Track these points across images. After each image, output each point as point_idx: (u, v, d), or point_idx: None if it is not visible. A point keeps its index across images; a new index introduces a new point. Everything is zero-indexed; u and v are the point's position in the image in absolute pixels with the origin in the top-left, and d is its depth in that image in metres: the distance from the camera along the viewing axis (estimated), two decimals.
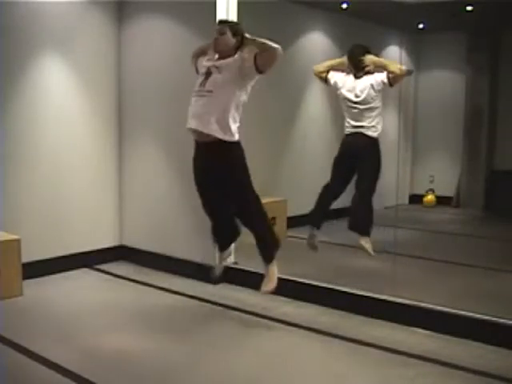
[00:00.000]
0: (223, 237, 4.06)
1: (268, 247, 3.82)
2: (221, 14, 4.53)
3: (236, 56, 3.58)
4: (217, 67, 3.58)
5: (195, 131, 3.63)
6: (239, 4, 4.59)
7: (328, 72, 4.63)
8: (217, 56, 3.65)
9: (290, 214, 6.02)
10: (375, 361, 3.32)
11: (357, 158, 4.54)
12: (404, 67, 4.50)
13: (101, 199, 5.33)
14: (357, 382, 3.09)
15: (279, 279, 4.34)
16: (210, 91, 3.54)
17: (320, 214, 4.64)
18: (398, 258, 4.37)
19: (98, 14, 5.15)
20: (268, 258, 3.80)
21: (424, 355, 3.36)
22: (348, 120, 4.57)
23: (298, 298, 4.31)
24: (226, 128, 3.54)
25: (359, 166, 4.54)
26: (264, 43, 3.51)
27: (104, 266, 5.23)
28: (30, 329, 3.75)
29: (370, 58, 4.46)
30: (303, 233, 5.89)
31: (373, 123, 4.45)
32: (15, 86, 4.64)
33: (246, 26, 4.87)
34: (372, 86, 4.44)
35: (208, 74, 3.59)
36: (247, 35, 3.61)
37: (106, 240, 5.38)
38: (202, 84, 3.59)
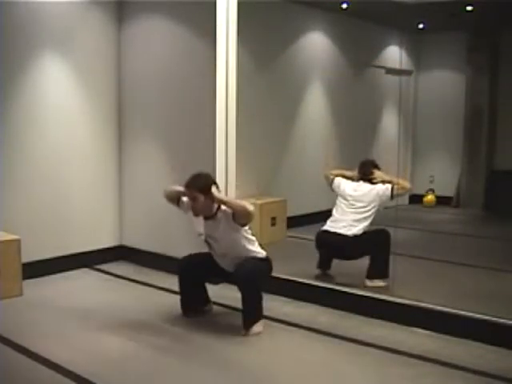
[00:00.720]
0: (190, 296, 3.99)
1: (250, 319, 3.66)
2: (221, 14, 4.52)
3: (219, 216, 3.67)
4: (211, 237, 3.74)
5: None
6: (239, 4, 4.58)
7: (335, 177, 4.74)
8: (202, 220, 3.74)
9: (290, 214, 6.02)
10: (375, 361, 3.32)
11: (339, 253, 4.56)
12: (409, 185, 4.61)
13: (101, 199, 5.33)
14: (357, 381, 3.09)
15: (279, 279, 4.34)
16: (223, 253, 3.78)
17: (323, 262, 4.64)
18: (398, 258, 4.37)
19: (98, 14, 5.15)
20: (246, 326, 3.66)
21: (424, 355, 3.36)
22: (335, 215, 4.56)
23: (297, 298, 4.31)
24: (252, 254, 3.75)
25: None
26: (236, 207, 3.59)
27: (104, 266, 5.23)
28: (30, 329, 3.75)
29: (380, 175, 4.57)
30: (303, 233, 5.90)
31: (356, 223, 4.44)
32: (15, 85, 4.64)
33: (246, 25, 4.89)
34: (376, 194, 4.49)
35: (208, 241, 3.80)
36: (215, 193, 3.64)
37: (106, 240, 5.38)
38: (213, 249, 3.82)
